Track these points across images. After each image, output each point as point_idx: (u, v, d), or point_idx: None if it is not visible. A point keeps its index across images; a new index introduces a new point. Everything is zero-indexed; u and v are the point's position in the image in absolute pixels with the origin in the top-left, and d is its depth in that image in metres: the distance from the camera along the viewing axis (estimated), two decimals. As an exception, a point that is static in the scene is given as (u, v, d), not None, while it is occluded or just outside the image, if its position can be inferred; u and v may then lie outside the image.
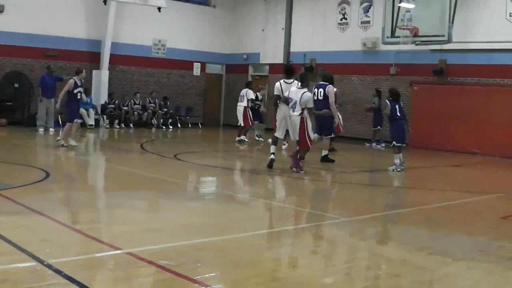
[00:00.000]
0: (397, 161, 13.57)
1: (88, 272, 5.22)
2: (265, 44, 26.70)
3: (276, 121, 12.76)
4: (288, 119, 12.44)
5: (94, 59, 23.63)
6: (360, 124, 22.25)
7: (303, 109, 12.25)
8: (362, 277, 5.66)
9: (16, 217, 7.18)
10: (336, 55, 23.40)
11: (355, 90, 22.88)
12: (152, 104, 24.72)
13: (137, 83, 25.32)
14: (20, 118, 21.67)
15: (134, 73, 25.31)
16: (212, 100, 28.21)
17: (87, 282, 4.83)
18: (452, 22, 18.28)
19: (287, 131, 12.84)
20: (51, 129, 19.76)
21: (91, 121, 22.29)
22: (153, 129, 23.73)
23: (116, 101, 23.68)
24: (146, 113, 24.32)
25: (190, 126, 25.86)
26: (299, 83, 12.61)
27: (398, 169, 13.57)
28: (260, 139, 18.95)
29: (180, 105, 26.50)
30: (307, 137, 12.36)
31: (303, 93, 12.27)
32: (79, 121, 15.81)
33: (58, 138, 15.15)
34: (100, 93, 23.41)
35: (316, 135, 13.78)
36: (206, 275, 5.36)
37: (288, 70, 12.90)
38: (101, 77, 23.45)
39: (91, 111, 22.50)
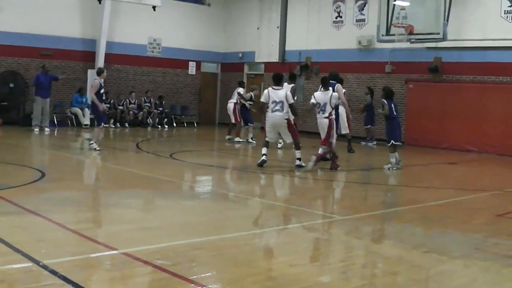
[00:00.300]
0: (393, 160, 13.58)
1: (84, 272, 5.21)
2: (260, 42, 26.69)
3: (266, 125, 13.13)
4: (280, 127, 12.85)
5: (89, 58, 23.58)
6: (355, 122, 22.24)
7: (332, 110, 12.87)
8: (358, 275, 5.67)
9: (12, 217, 7.17)
10: (331, 53, 23.41)
11: (350, 88, 22.87)
12: (148, 103, 24.72)
13: (132, 82, 25.30)
14: (15, 118, 21.64)
15: (129, 72, 25.29)
16: (207, 99, 28.20)
17: (83, 283, 4.82)
18: (447, 20, 18.30)
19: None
20: (46, 128, 19.74)
21: (86, 121, 22.26)
22: (149, 128, 23.72)
23: (112, 101, 23.65)
24: (141, 112, 24.31)
25: (185, 125, 25.86)
26: (321, 87, 13.17)
27: (394, 168, 13.58)
28: (253, 141, 18.84)
29: (175, 104, 26.49)
30: (329, 139, 12.92)
31: (331, 94, 12.91)
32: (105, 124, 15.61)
33: (91, 142, 14.87)
34: (95, 92, 23.33)
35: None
36: (202, 275, 5.36)
37: (276, 78, 13.15)
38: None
39: (86, 111, 22.44)
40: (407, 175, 13.98)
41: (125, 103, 23.96)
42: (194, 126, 26.18)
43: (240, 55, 27.47)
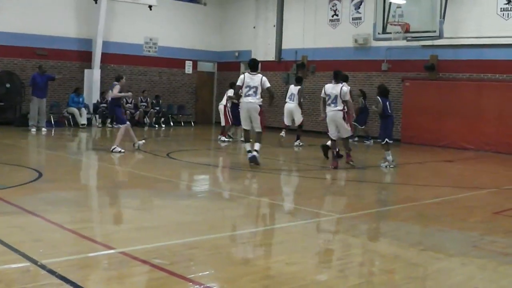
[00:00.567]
0: (389, 157, 13.61)
1: (81, 272, 5.21)
2: (256, 41, 26.68)
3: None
4: (252, 112, 12.86)
5: (85, 58, 23.57)
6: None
7: (344, 102, 13.12)
8: (355, 273, 5.68)
9: (9, 217, 7.16)
10: (328, 52, 23.45)
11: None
12: (144, 103, 24.71)
13: (128, 82, 25.12)
14: (11, 118, 21.61)
15: (126, 71, 25.18)
16: (204, 98, 28.20)
17: (80, 282, 4.82)
18: (443, 18, 18.33)
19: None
20: (43, 129, 19.72)
21: (83, 121, 22.25)
22: (146, 128, 23.70)
23: (108, 100, 23.61)
24: (138, 111, 24.29)
25: (182, 124, 25.85)
26: (334, 80, 13.43)
27: (392, 166, 13.60)
28: (226, 139, 18.94)
29: (172, 104, 26.49)
30: (350, 126, 13.48)
31: (341, 87, 13.15)
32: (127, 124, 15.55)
33: (114, 146, 14.72)
34: (92, 92, 23.35)
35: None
36: (200, 274, 5.36)
37: (253, 64, 13.31)
38: (93, 76, 23.36)
39: (83, 110, 22.45)
40: (403, 173, 14.00)
41: (121, 102, 23.91)
42: (191, 125, 26.18)
43: (237, 54, 27.47)
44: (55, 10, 22.63)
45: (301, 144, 17.96)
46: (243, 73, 13.35)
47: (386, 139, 13.56)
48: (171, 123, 25.60)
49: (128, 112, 23.80)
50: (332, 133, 13.43)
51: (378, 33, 19.91)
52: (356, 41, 22.50)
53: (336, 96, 13.12)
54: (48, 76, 20.14)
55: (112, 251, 5.87)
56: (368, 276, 5.62)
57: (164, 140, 20.95)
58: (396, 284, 5.34)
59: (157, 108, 24.92)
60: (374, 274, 5.73)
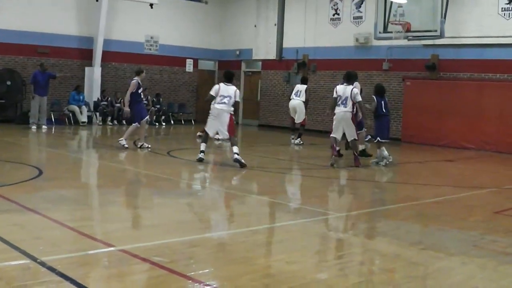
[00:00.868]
0: (385, 153, 13.63)
1: (81, 269, 5.21)
2: (257, 40, 26.67)
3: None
4: (222, 120, 13.07)
5: (86, 56, 23.56)
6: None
7: (353, 104, 13.13)
8: (355, 272, 5.68)
9: (9, 215, 7.17)
10: (329, 51, 23.44)
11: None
12: (145, 101, 24.65)
13: (129, 80, 25.18)
14: (12, 116, 21.61)
15: (127, 70, 25.23)
16: (204, 96, 27.97)
17: (80, 280, 4.82)
18: (444, 17, 18.30)
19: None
20: (44, 126, 19.71)
21: (83, 118, 22.24)
22: (146, 126, 23.63)
23: (109, 98, 23.63)
24: (138, 110, 24.24)
25: (183, 122, 25.84)
26: (344, 82, 13.54)
27: (383, 163, 13.61)
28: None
29: (172, 102, 26.47)
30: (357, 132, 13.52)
31: (352, 88, 13.19)
32: (145, 119, 15.57)
33: (120, 138, 14.89)
34: (93, 90, 23.34)
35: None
36: (200, 272, 5.36)
37: (228, 75, 13.75)
38: (94, 74, 23.35)
39: (84, 108, 22.44)
40: (404, 173, 14.00)
41: (122, 100, 23.89)
42: (191, 123, 26.15)
43: (238, 52, 27.45)
44: (56, 8, 22.61)
45: (301, 142, 17.98)
46: (219, 83, 13.76)
47: (378, 138, 13.56)
48: (172, 122, 25.59)
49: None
50: (337, 134, 13.41)
51: (379, 32, 19.89)
52: (357, 40, 22.48)
53: (346, 98, 13.13)
54: (49, 74, 20.14)
55: (112, 248, 5.87)
56: (368, 275, 5.63)
57: (164, 138, 20.95)
58: (396, 283, 5.34)
59: (158, 106, 24.90)
60: (374, 273, 5.73)
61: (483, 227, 7.85)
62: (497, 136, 18.47)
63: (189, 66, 27.20)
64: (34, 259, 5.29)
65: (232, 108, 13.11)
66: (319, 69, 23.74)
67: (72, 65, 23.51)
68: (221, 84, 13.44)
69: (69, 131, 20.48)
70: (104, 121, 23.24)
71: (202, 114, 27.68)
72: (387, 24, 19.64)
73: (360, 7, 22.73)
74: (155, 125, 24.11)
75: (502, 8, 18.41)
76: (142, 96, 15.52)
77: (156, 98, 25.04)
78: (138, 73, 15.36)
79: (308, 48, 24.29)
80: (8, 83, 21.42)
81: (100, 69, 23.57)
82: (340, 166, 13.35)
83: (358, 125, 14.15)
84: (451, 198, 10.10)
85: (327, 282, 5.28)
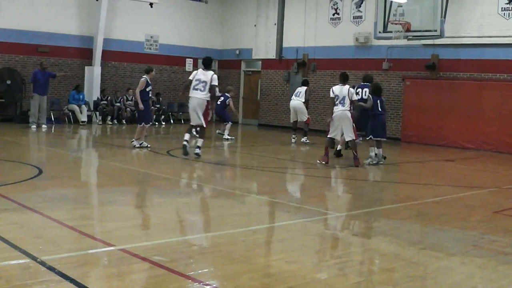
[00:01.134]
0: (372, 153, 13.66)
1: (81, 268, 5.22)
2: (257, 39, 26.67)
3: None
4: (198, 106, 13.23)
5: (86, 55, 23.56)
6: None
7: (351, 103, 13.35)
8: (355, 272, 5.68)
9: (9, 214, 7.16)
10: (329, 50, 23.45)
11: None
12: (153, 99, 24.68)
13: (129, 79, 25.25)
14: (12, 115, 21.62)
15: (127, 69, 25.26)
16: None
17: (80, 279, 4.82)
18: (444, 17, 18.32)
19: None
20: (43, 125, 19.71)
21: (83, 118, 22.24)
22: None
23: (109, 97, 23.63)
24: (138, 109, 24.25)
25: (182, 122, 25.82)
26: (341, 82, 13.70)
27: (374, 162, 13.63)
28: (229, 137, 19.12)
29: (172, 101, 26.47)
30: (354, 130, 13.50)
31: (349, 88, 13.47)
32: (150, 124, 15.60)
33: (133, 140, 15.00)
34: (93, 89, 23.34)
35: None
36: (199, 271, 5.37)
37: (206, 61, 13.89)
38: (93, 73, 23.36)
39: (84, 108, 22.44)
40: (403, 172, 14.01)
41: (122, 100, 23.92)
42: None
43: (237, 52, 27.46)
44: (56, 8, 22.61)
45: (307, 141, 18.03)
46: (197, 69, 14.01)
47: (371, 136, 13.61)
48: (172, 121, 25.60)
49: (128, 109, 23.82)
50: (336, 134, 13.46)
51: (379, 32, 19.92)
52: (357, 39, 22.49)
53: (344, 97, 13.29)
54: (49, 74, 20.13)
55: (111, 248, 5.87)
56: (368, 274, 5.63)
57: (164, 138, 20.94)
58: (396, 282, 5.34)
59: (158, 105, 24.89)
60: (374, 272, 5.73)
61: (482, 227, 7.86)
62: (497, 136, 18.48)
63: (189, 66, 27.17)
64: (34, 258, 5.29)
65: (208, 95, 13.22)
66: (319, 68, 23.75)
67: (72, 64, 23.50)
68: (199, 70, 13.66)
69: (69, 130, 20.48)
70: (104, 120, 23.23)
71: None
72: (387, 24, 19.67)
73: (360, 6, 22.73)
74: (155, 124, 24.09)
75: (502, 8, 18.42)
76: (150, 95, 15.51)
77: (156, 97, 24.99)
78: (147, 71, 15.38)
79: (308, 48, 24.29)
80: (8, 82, 21.42)
81: (100, 68, 23.58)
82: (340, 165, 13.34)
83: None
84: (451, 198, 10.10)
85: (327, 282, 5.28)
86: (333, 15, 23.63)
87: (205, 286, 4.96)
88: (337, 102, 13.34)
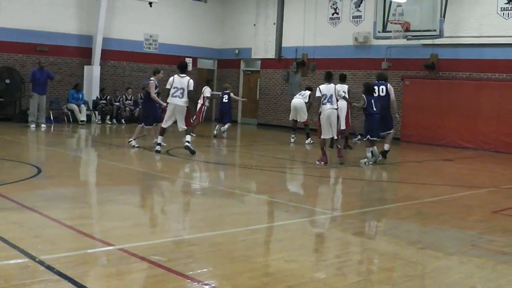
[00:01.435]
0: (369, 154, 13.67)
1: (80, 268, 5.21)
2: (256, 39, 26.67)
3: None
4: (179, 112, 13.88)
5: (85, 54, 23.55)
6: (353, 119, 22.25)
7: (337, 101, 13.56)
8: (354, 271, 5.68)
9: (8, 214, 7.16)
10: (328, 50, 23.45)
11: (347, 85, 22.88)
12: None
13: (128, 79, 25.26)
14: (11, 114, 21.61)
15: (126, 68, 25.25)
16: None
17: (79, 278, 4.82)
18: (444, 17, 18.32)
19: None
20: (42, 125, 19.69)
21: (82, 117, 22.24)
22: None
23: (108, 97, 23.61)
24: (138, 108, 24.23)
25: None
26: (326, 80, 13.77)
27: (370, 162, 13.63)
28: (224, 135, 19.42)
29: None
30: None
31: (334, 86, 13.66)
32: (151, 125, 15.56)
33: (156, 141, 14.72)
34: (92, 88, 23.32)
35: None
36: (198, 271, 5.37)
37: (182, 66, 14.26)
38: (93, 73, 23.34)
39: (83, 107, 22.44)
40: (402, 172, 14.01)
41: (121, 99, 23.91)
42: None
43: (237, 51, 27.46)
44: (55, 7, 22.59)
45: (311, 142, 18.01)
46: (173, 76, 14.23)
47: (368, 136, 13.60)
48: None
49: (127, 108, 23.82)
50: (327, 134, 13.48)
51: (378, 32, 19.91)
52: (356, 39, 22.49)
53: (331, 95, 13.40)
54: (48, 74, 20.11)
55: (110, 247, 5.87)
56: (366, 274, 5.63)
57: (164, 137, 20.88)
58: (394, 282, 5.35)
59: (157, 105, 24.84)
60: (372, 272, 5.73)
61: (481, 226, 7.86)
62: (496, 136, 18.49)
63: (188, 65, 27.12)
64: (32, 257, 5.29)
65: (186, 99, 13.72)
66: (318, 68, 23.73)
67: (71, 64, 23.50)
68: (175, 76, 13.99)
69: (68, 130, 20.47)
70: (103, 119, 23.22)
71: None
72: (386, 24, 19.66)
73: (359, 6, 22.73)
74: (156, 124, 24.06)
75: (501, 7, 18.42)
76: (157, 97, 15.49)
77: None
78: (155, 73, 15.43)
79: (307, 47, 24.29)
80: (7, 81, 21.41)
81: (99, 67, 23.57)
82: (340, 166, 13.34)
83: (387, 126, 14.29)
84: (450, 198, 10.10)
85: (326, 281, 5.28)
86: (333, 14, 23.63)
87: (204, 286, 4.96)
88: (325, 100, 13.41)
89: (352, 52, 22.71)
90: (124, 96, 24.06)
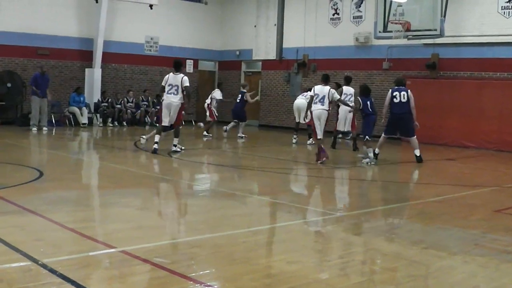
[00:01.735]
0: (371, 154, 13.70)
1: (82, 271, 5.21)
2: (257, 40, 26.68)
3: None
4: (174, 109, 14.24)
5: (86, 57, 23.57)
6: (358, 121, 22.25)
7: (330, 103, 13.70)
8: (357, 271, 5.67)
9: (10, 217, 7.16)
10: (329, 51, 23.45)
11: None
12: (145, 102, 24.69)
13: (129, 81, 25.28)
14: (13, 118, 21.62)
15: (127, 71, 25.27)
16: (205, 97, 27.79)
17: (81, 281, 4.82)
18: (444, 16, 18.30)
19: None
20: (44, 128, 19.71)
21: (84, 120, 22.24)
22: (147, 127, 23.66)
23: (109, 99, 23.62)
24: (139, 111, 24.28)
25: (183, 123, 25.78)
26: (323, 82, 14.03)
27: (372, 162, 13.65)
28: (243, 136, 19.50)
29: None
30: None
31: (330, 88, 13.78)
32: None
33: (174, 143, 14.94)
34: (93, 91, 23.34)
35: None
36: (201, 272, 5.36)
37: (176, 64, 14.62)
38: (94, 76, 23.36)
39: (84, 110, 22.44)
40: (405, 172, 14.00)
41: (122, 102, 23.92)
42: (192, 124, 26.13)
43: (238, 53, 27.47)
44: (56, 10, 22.62)
45: (313, 142, 17.98)
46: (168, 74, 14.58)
47: (367, 137, 13.70)
48: (172, 122, 25.59)
49: (129, 111, 23.83)
50: (321, 133, 13.55)
51: (379, 32, 19.89)
52: (357, 39, 22.49)
53: (324, 96, 13.57)
54: (48, 80, 20.18)
55: (113, 250, 5.87)
56: (369, 274, 5.62)
57: (165, 139, 20.88)
58: (397, 282, 5.34)
59: (158, 107, 24.84)
60: (375, 272, 5.73)
61: (484, 225, 7.85)
62: (498, 135, 18.47)
63: (189, 67, 27.18)
64: (35, 261, 5.29)
65: (181, 96, 14.10)
66: (319, 68, 23.71)
67: (72, 67, 23.52)
68: (170, 74, 14.36)
69: (70, 133, 20.47)
70: (104, 122, 23.23)
71: (202, 114, 27.75)
72: (387, 24, 19.65)
73: (360, 6, 22.73)
74: (156, 126, 24.07)
75: (502, 6, 18.41)
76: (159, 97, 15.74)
77: (156, 99, 24.99)
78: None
79: (308, 48, 24.29)
80: (9, 85, 21.42)
81: (100, 70, 23.58)
82: (340, 166, 13.34)
83: (406, 133, 14.38)
84: (452, 197, 10.09)
85: (328, 282, 5.27)
86: (333, 15, 23.63)
87: None
88: (316, 100, 13.60)
89: (353, 52, 22.71)
90: (125, 99, 24.07)
